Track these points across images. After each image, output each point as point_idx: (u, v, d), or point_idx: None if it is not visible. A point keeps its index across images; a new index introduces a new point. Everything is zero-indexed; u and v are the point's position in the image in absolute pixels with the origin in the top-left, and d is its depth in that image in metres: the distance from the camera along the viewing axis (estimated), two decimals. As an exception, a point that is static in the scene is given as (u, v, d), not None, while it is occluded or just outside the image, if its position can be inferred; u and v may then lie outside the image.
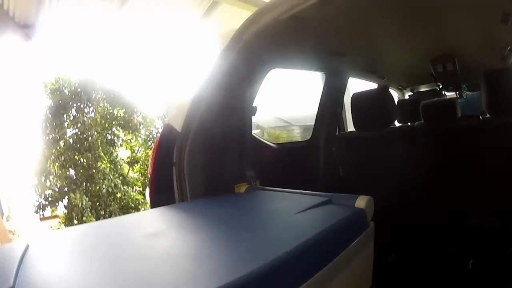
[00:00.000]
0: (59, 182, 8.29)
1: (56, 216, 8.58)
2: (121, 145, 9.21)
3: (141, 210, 8.56)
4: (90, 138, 8.37)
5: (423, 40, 3.14)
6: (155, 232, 1.40)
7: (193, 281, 1.00)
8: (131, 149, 9.26)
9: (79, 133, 8.39)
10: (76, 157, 8.35)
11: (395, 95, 5.95)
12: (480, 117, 2.95)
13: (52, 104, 8.35)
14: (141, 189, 9.00)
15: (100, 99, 8.67)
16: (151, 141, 9.13)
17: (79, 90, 8.35)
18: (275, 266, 1.03)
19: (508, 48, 3.43)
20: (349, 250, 1.36)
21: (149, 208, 2.17)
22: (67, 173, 8.33)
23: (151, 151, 2.49)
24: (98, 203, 8.20)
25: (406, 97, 6.03)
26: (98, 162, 8.39)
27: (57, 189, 8.28)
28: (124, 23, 6.80)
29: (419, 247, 2.83)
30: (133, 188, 8.91)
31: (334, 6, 1.95)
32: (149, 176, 2.34)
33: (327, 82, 3.71)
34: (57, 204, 8.33)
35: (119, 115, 8.93)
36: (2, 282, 0.97)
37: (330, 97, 3.73)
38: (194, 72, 2.26)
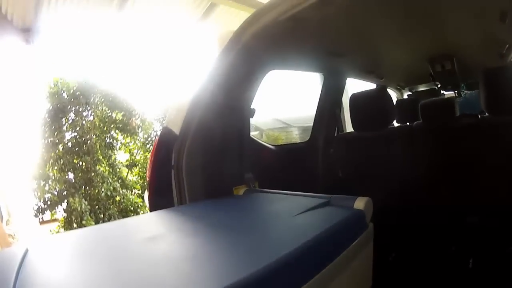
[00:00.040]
0: (58, 185, 8.29)
1: (55, 220, 8.59)
2: (120, 148, 9.20)
3: (140, 213, 8.56)
4: (88, 141, 8.38)
5: (421, 39, 3.15)
6: (154, 235, 1.39)
7: (193, 284, 0.99)
8: (129, 152, 9.26)
9: (77, 136, 8.41)
10: (75, 160, 8.36)
11: (393, 95, 5.95)
12: (479, 116, 2.94)
13: (51, 108, 8.35)
14: (140, 192, 8.99)
15: (98, 102, 8.67)
16: (149, 144, 9.14)
17: (77, 93, 8.34)
18: (275, 269, 1.03)
19: (506, 46, 3.43)
20: (349, 251, 1.36)
21: (148, 211, 2.17)
22: (66, 176, 8.33)
23: (150, 154, 2.48)
24: (97, 207, 8.20)
25: (405, 97, 6.03)
26: (97, 166, 8.39)
27: (56, 193, 8.27)
28: (123, 26, 6.81)
29: (419, 247, 2.82)
30: (132, 191, 8.91)
31: (332, 6, 1.95)
32: (147, 179, 2.34)
33: (325, 83, 3.71)
34: (56, 207, 8.33)
35: (117, 118, 8.93)
36: (2, 286, 0.97)
37: (328, 98, 3.72)
38: (193, 74, 2.25)
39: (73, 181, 8.33)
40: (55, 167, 8.36)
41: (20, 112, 8.28)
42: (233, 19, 6.99)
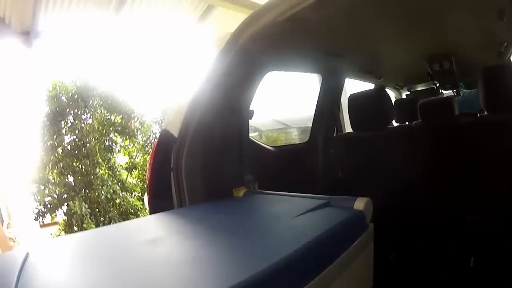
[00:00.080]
0: (58, 189, 8.28)
1: (56, 223, 8.58)
2: (119, 151, 9.20)
3: (140, 215, 8.55)
4: (88, 144, 8.37)
5: (420, 39, 3.15)
6: (154, 238, 1.39)
7: (193, 287, 1.00)
8: (129, 155, 9.26)
9: (77, 139, 8.39)
10: (74, 163, 8.36)
11: (392, 94, 5.95)
12: (478, 115, 2.94)
13: (50, 111, 8.35)
14: (140, 194, 8.99)
15: (97, 105, 8.67)
16: (149, 146, 9.14)
17: (76, 96, 8.34)
18: (275, 270, 1.03)
19: (505, 44, 3.43)
20: (349, 252, 1.36)
21: (148, 214, 2.17)
22: (66, 179, 8.32)
23: (149, 156, 2.48)
24: (97, 210, 8.20)
25: (403, 96, 6.02)
26: (97, 169, 8.38)
27: (56, 196, 8.27)
28: (121, 28, 6.81)
29: (420, 247, 2.82)
30: (132, 193, 8.90)
31: (330, 7, 1.95)
32: (147, 182, 2.34)
33: (323, 84, 3.71)
34: (56, 211, 8.33)
35: (116, 121, 8.93)
36: None
37: (327, 99, 3.72)
38: (191, 77, 2.25)
39: (73, 184, 8.33)
40: (55, 171, 8.36)
41: (19, 116, 8.28)
42: (230, 21, 6.98)
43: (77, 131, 8.37)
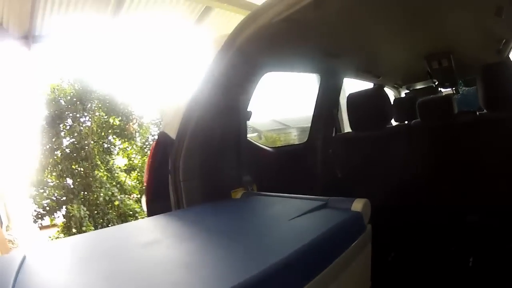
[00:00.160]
0: (56, 191, 8.29)
1: (55, 225, 8.59)
2: (117, 153, 9.21)
3: (139, 217, 8.56)
4: (86, 147, 8.38)
5: (418, 37, 3.13)
6: (151, 241, 1.39)
7: None
8: (127, 157, 9.26)
9: (75, 142, 8.40)
10: (73, 166, 8.37)
11: (391, 93, 5.94)
12: (477, 113, 2.93)
13: (48, 114, 8.35)
14: (138, 196, 9.00)
15: (95, 108, 8.68)
16: (147, 148, 9.15)
17: (74, 99, 8.35)
18: (272, 273, 1.02)
19: (503, 41, 3.42)
20: (347, 254, 1.35)
21: (146, 216, 2.17)
22: (65, 182, 8.33)
23: (147, 158, 2.48)
24: (96, 212, 8.20)
25: (402, 95, 6.02)
26: (95, 171, 8.39)
27: (54, 199, 8.27)
28: (118, 31, 6.81)
29: (418, 247, 2.82)
30: (130, 195, 8.91)
31: (327, 7, 1.94)
32: (145, 184, 2.33)
33: (322, 83, 3.70)
34: (55, 213, 8.34)
35: (114, 123, 8.93)
36: None
37: (325, 99, 3.71)
38: (188, 78, 2.25)
39: (72, 186, 8.33)
40: (54, 173, 8.37)
41: (18, 119, 8.30)
42: (228, 22, 6.99)
43: (75, 134, 8.39)
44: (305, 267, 1.16)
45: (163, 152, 2.19)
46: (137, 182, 9.17)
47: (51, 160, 8.34)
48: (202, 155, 2.24)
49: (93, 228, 7.91)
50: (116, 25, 6.61)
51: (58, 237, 8.07)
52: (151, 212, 2.19)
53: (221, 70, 2.16)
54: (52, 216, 8.38)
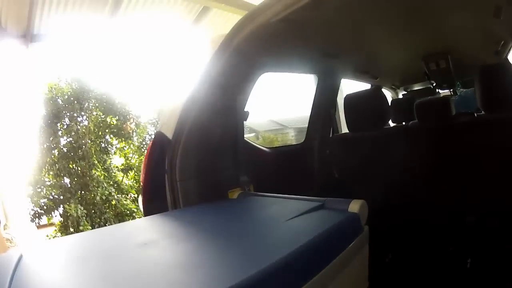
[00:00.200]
0: (54, 191, 8.28)
1: (52, 224, 8.57)
2: (115, 152, 9.20)
3: (136, 217, 8.54)
4: (84, 146, 8.36)
5: (416, 38, 3.13)
6: (147, 241, 1.39)
7: None
8: (124, 157, 9.25)
9: (73, 141, 8.38)
10: (70, 165, 8.34)
11: (388, 94, 5.94)
12: (475, 114, 2.93)
13: (46, 113, 8.33)
14: (136, 196, 8.99)
15: (93, 108, 8.67)
16: (144, 148, 9.13)
17: (71, 99, 8.34)
18: (267, 274, 1.02)
19: (502, 42, 3.43)
20: (343, 256, 1.34)
21: (143, 216, 2.16)
22: (62, 181, 8.31)
23: (144, 158, 2.48)
24: (93, 211, 8.19)
25: (400, 96, 6.02)
26: (93, 170, 8.37)
27: (52, 198, 8.26)
28: (116, 31, 6.81)
29: (416, 248, 2.81)
30: (128, 195, 8.90)
31: (325, 7, 1.93)
32: (141, 184, 2.33)
33: (319, 84, 3.70)
34: (52, 212, 8.32)
35: (112, 123, 8.92)
36: None
37: (323, 99, 3.71)
38: (186, 78, 2.24)
39: (69, 186, 8.32)
40: (51, 172, 8.35)
41: (16, 118, 8.28)
42: (226, 22, 6.99)
43: (73, 133, 8.36)
44: (301, 268, 1.15)
45: (160, 151, 2.19)
46: (134, 181, 9.15)
47: (49, 159, 8.32)
48: (198, 155, 2.24)
49: (90, 227, 7.89)
50: (114, 25, 6.61)
51: (55, 236, 8.05)
52: (147, 212, 2.19)
53: (218, 70, 2.16)
54: (50, 215, 8.36)
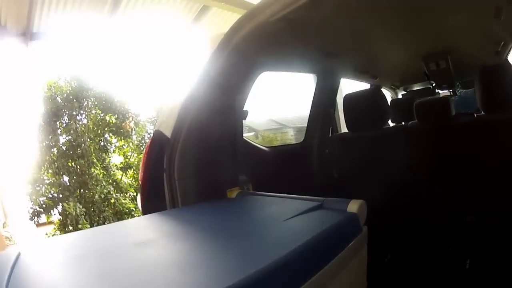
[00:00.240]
0: (53, 189, 8.28)
1: (51, 222, 8.57)
2: (114, 151, 9.19)
3: (134, 216, 8.54)
4: (83, 144, 8.36)
5: (416, 38, 3.12)
6: (145, 240, 1.39)
7: None
8: (123, 155, 9.24)
9: (72, 140, 8.37)
10: (69, 164, 8.34)
11: (388, 94, 5.94)
12: (475, 115, 2.92)
13: (45, 111, 8.33)
14: (135, 194, 8.98)
15: (92, 106, 8.67)
16: (143, 146, 9.13)
17: (71, 97, 8.33)
18: (265, 274, 1.01)
19: (502, 43, 3.42)
20: (342, 256, 1.34)
21: (141, 214, 2.16)
22: (61, 180, 8.31)
23: (142, 156, 2.47)
24: (92, 209, 8.19)
25: (399, 96, 6.01)
26: (92, 169, 8.37)
27: (51, 196, 8.26)
28: (115, 30, 6.81)
29: (415, 248, 2.81)
30: (126, 193, 8.90)
31: (325, 6, 1.93)
32: (140, 182, 2.33)
33: (319, 83, 3.69)
34: (51, 210, 8.32)
35: (111, 121, 8.92)
36: None
37: (322, 99, 3.71)
38: (185, 77, 2.24)
39: (68, 184, 8.32)
40: (50, 171, 8.35)
41: (15, 116, 8.28)
42: (225, 21, 6.99)
43: (72, 131, 8.36)
44: (299, 268, 1.15)
45: (159, 150, 2.18)
46: (133, 180, 9.15)
47: (48, 157, 8.32)
48: (197, 153, 2.23)
49: (88, 226, 7.89)
50: (113, 24, 6.61)
51: (54, 234, 8.06)
52: (146, 211, 2.19)
53: (217, 69, 2.15)
54: (49, 213, 8.36)
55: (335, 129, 3.89)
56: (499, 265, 2.42)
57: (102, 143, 8.94)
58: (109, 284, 1.04)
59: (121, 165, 9.22)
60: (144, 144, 9.08)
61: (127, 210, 8.52)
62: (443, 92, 5.90)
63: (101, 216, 8.21)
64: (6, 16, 5.71)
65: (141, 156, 8.97)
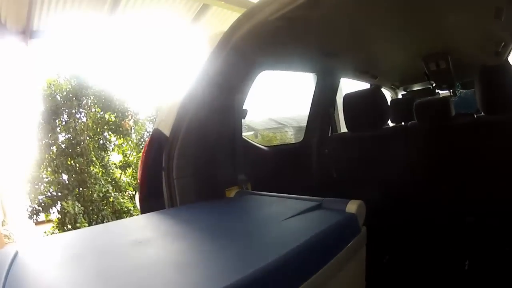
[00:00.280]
0: (52, 187, 8.27)
1: (50, 221, 8.57)
2: (113, 149, 9.18)
3: (133, 214, 8.54)
4: (82, 143, 8.34)
5: (416, 38, 3.13)
6: (143, 239, 1.39)
7: None
8: (122, 153, 9.23)
9: (71, 138, 8.36)
10: (68, 162, 8.33)
11: (388, 94, 5.94)
12: (475, 115, 2.92)
13: (44, 110, 8.32)
14: (133, 193, 8.98)
15: (91, 104, 8.65)
16: (142, 145, 9.11)
17: (70, 95, 8.32)
18: (263, 274, 1.01)
19: (502, 44, 3.42)
20: (340, 257, 1.33)
21: (140, 213, 2.16)
22: (60, 178, 8.30)
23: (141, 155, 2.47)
24: (90, 208, 8.18)
25: (399, 96, 6.01)
26: (91, 167, 8.36)
27: (49, 195, 8.25)
28: (115, 29, 6.81)
29: (414, 249, 2.81)
30: (125, 192, 8.89)
31: (324, 6, 1.92)
32: (138, 181, 2.32)
33: (318, 83, 3.69)
34: (50, 209, 8.31)
35: (110, 120, 8.91)
36: None
37: (322, 98, 3.70)
38: (184, 76, 2.24)
39: (67, 182, 8.30)
40: (49, 169, 8.34)
41: (14, 115, 8.28)
42: (225, 21, 6.98)
43: (71, 130, 8.34)
44: (297, 268, 1.14)
45: (157, 149, 2.18)
46: (132, 179, 9.14)
47: (47, 155, 8.29)
48: (196, 152, 2.23)
49: (87, 224, 7.88)
50: (113, 23, 6.61)
51: (53, 233, 8.05)
52: (144, 210, 2.19)
53: (216, 68, 2.15)
54: (48, 212, 8.36)
55: (335, 128, 3.90)
56: (498, 266, 2.42)
57: (101, 142, 8.91)
58: (106, 283, 1.03)
59: (120, 163, 9.20)
60: (143, 143, 9.06)
61: (125, 209, 8.51)
62: (443, 93, 5.90)
63: (100, 215, 8.20)
64: (6, 15, 5.71)
65: (140, 155, 8.97)
